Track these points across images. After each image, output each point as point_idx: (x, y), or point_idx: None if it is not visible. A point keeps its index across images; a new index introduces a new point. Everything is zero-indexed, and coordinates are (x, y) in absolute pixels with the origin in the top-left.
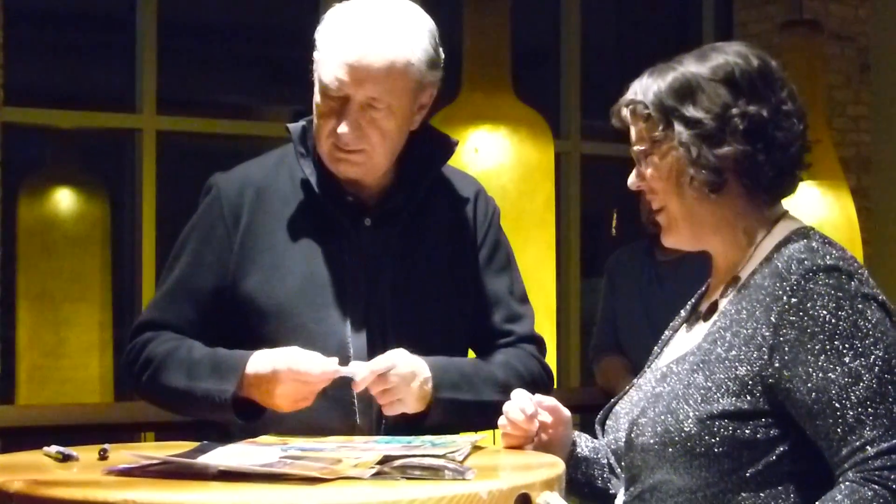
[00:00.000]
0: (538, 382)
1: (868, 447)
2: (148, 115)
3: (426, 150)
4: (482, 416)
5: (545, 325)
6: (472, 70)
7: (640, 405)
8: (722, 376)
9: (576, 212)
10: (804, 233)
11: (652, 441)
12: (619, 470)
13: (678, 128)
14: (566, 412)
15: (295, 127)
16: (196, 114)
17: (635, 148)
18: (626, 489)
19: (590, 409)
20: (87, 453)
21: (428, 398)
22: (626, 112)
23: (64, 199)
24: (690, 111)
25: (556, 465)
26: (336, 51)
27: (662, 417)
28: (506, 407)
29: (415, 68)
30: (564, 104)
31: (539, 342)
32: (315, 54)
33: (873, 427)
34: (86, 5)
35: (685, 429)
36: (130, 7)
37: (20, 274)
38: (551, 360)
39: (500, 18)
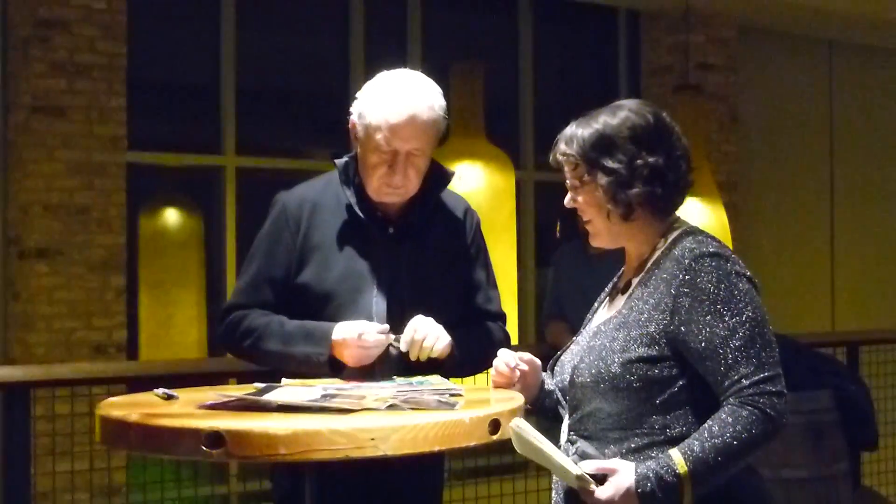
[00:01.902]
0: (503, 343)
1: (744, 380)
2: (229, 156)
3: (432, 178)
4: (474, 365)
5: (509, 301)
6: (456, 121)
7: (580, 355)
8: (637, 332)
9: (531, 221)
10: (692, 231)
11: (588, 380)
12: (563, 402)
13: (599, 175)
14: (538, 362)
15: (340, 162)
16: (263, 154)
17: (567, 182)
18: (570, 415)
19: (542, 359)
20: (185, 394)
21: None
22: (560, 158)
23: (171, 216)
24: (608, 163)
25: (517, 400)
26: (385, 120)
27: (596, 363)
28: (495, 361)
29: (439, 123)
30: (522, 144)
31: (503, 317)
32: (358, 119)
33: (747, 366)
34: (187, 76)
35: (612, 370)
36: (216, 78)
37: (141, 268)
38: (514, 326)
39: (476, 85)
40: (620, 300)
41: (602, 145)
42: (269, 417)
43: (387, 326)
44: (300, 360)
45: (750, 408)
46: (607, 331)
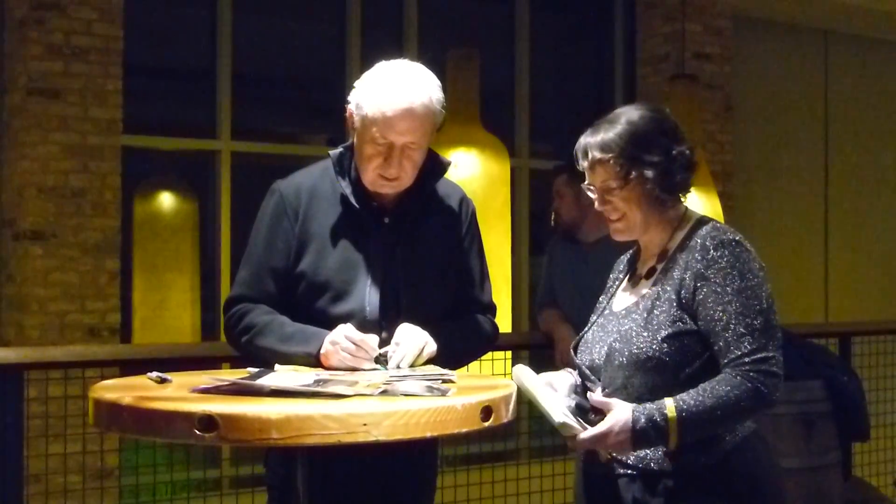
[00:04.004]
0: (491, 337)
1: (745, 357)
2: (225, 141)
3: (427, 167)
4: (459, 359)
5: (503, 289)
6: (452, 110)
7: (613, 336)
8: (665, 313)
9: (525, 209)
10: (706, 220)
11: (624, 360)
12: (592, 378)
13: (645, 170)
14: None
15: (334, 152)
16: (259, 139)
17: (605, 186)
18: (603, 390)
19: (535, 346)
20: (178, 378)
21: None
22: (597, 164)
23: (165, 200)
24: (650, 156)
25: (509, 387)
26: (381, 113)
27: (630, 344)
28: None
29: (436, 116)
30: (517, 132)
31: (494, 308)
32: (355, 110)
33: (750, 345)
34: (182, 60)
35: (646, 349)
36: (213, 62)
37: (135, 252)
38: (507, 313)
39: (471, 73)
40: (645, 285)
41: (639, 141)
42: (261, 402)
43: (376, 339)
44: (291, 359)
45: (744, 380)
46: (637, 313)
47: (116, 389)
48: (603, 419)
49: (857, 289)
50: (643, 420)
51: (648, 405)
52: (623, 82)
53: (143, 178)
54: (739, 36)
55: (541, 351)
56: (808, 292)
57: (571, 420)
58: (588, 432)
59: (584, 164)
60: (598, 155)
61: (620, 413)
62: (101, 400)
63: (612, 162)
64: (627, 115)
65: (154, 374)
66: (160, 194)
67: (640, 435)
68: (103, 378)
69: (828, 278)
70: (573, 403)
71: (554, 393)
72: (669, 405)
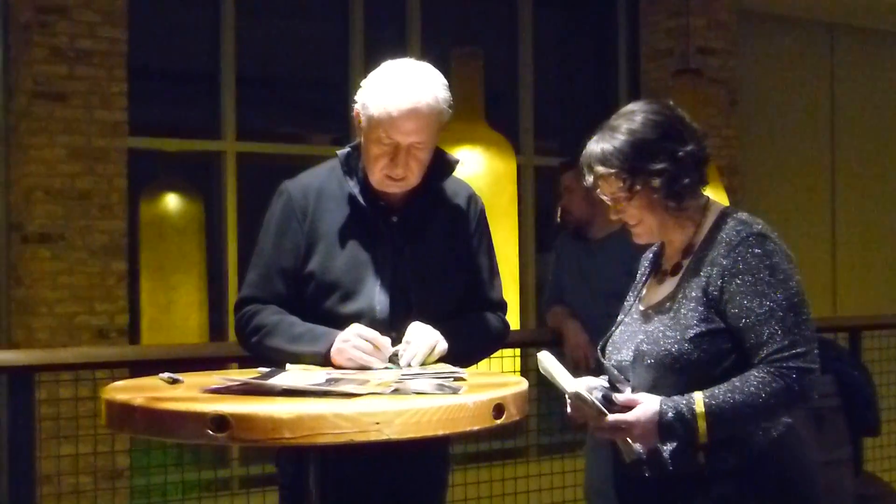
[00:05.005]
0: (502, 334)
1: (777, 353)
2: (229, 141)
3: (436, 166)
4: (469, 358)
5: (511, 287)
6: (456, 108)
7: (639, 336)
8: (694, 311)
9: (531, 207)
10: (730, 211)
11: (653, 361)
12: (621, 378)
13: (651, 179)
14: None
15: (342, 152)
16: (263, 140)
17: (615, 197)
18: (633, 391)
19: (544, 343)
20: (189, 378)
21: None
22: (601, 178)
23: (171, 201)
24: (655, 165)
25: (522, 384)
26: (387, 114)
27: (659, 345)
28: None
29: (442, 115)
30: (522, 129)
31: (504, 305)
32: (361, 109)
33: (783, 340)
34: (186, 62)
35: (676, 349)
36: (217, 63)
37: (142, 253)
38: (515, 311)
39: (475, 71)
40: (671, 282)
41: (641, 151)
42: (273, 401)
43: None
44: (300, 358)
45: (777, 376)
46: (663, 312)
47: (128, 390)
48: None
49: (866, 283)
50: (671, 413)
51: (677, 398)
52: (627, 77)
53: (149, 179)
54: (744, 30)
55: (550, 348)
56: (816, 287)
57: (586, 393)
58: (614, 416)
59: (589, 178)
60: (600, 170)
61: (649, 405)
62: (114, 401)
63: (614, 177)
64: (629, 121)
65: (165, 375)
66: (166, 196)
67: (666, 427)
68: (113, 379)
69: (836, 272)
70: (600, 395)
71: (567, 373)
72: (698, 399)
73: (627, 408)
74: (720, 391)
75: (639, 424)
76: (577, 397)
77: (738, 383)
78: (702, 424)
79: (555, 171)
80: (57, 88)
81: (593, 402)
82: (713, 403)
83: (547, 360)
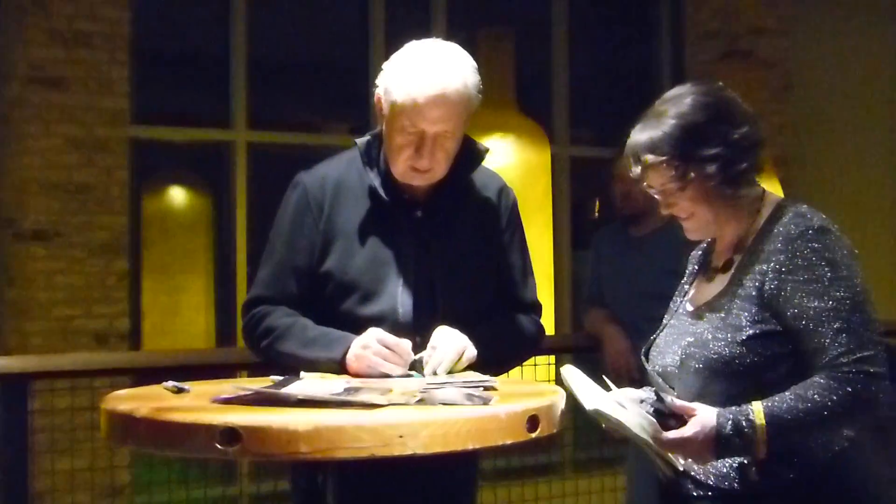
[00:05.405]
0: (536, 339)
1: (841, 358)
2: (240, 131)
3: (463, 156)
4: (501, 365)
5: (544, 287)
6: (485, 94)
7: (686, 338)
8: (746, 311)
9: (566, 200)
10: (788, 202)
11: (701, 365)
12: (664, 385)
13: (705, 166)
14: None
15: (362, 141)
16: (277, 129)
17: (665, 188)
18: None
19: (579, 350)
20: (196, 387)
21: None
22: (650, 168)
23: (177, 195)
24: (708, 150)
25: (556, 394)
26: (411, 100)
27: (708, 347)
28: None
29: (471, 102)
30: (556, 117)
31: (538, 307)
32: (383, 95)
33: (847, 344)
34: (194, 46)
35: (725, 352)
36: (226, 47)
37: (144, 252)
38: (550, 314)
39: (505, 53)
40: (721, 280)
41: (693, 136)
42: (288, 412)
43: (409, 344)
44: (314, 365)
45: (843, 383)
46: (713, 313)
47: (130, 400)
48: (684, 425)
49: None
50: (729, 426)
51: (734, 409)
52: (670, 60)
53: (153, 172)
54: (798, 7)
55: (587, 355)
56: (880, 288)
57: (606, 408)
58: (673, 434)
59: (636, 169)
60: (649, 159)
61: (706, 418)
62: (115, 412)
63: (665, 165)
64: (676, 104)
65: (170, 384)
66: (171, 189)
67: (724, 443)
68: (113, 388)
69: None
70: (651, 408)
71: (597, 388)
72: (757, 409)
73: (681, 419)
74: (780, 400)
75: (697, 441)
76: (597, 414)
77: (799, 391)
78: (762, 437)
79: (592, 162)
80: (54, 73)
81: (619, 422)
82: (774, 415)
83: (569, 374)
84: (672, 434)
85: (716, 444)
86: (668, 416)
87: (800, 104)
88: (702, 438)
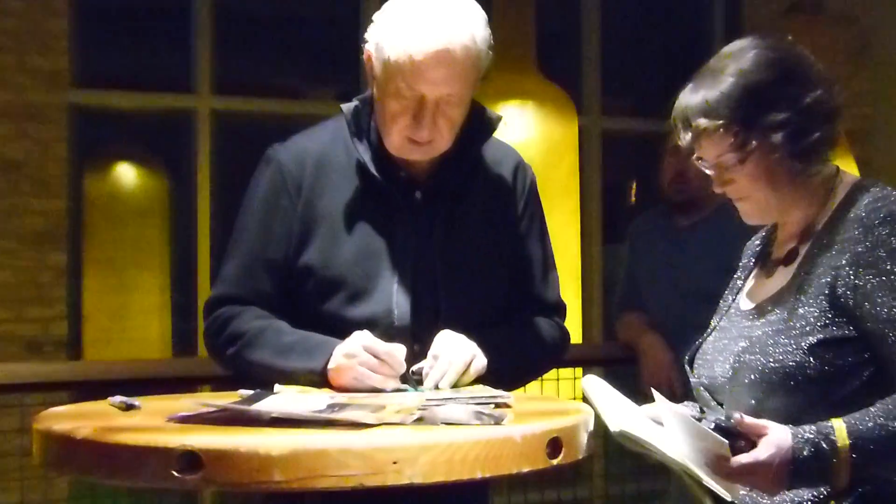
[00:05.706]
0: (558, 346)
1: None
2: (203, 96)
3: (471, 125)
4: (518, 377)
5: (570, 286)
6: (500, 53)
7: (740, 344)
8: (814, 312)
9: (597, 182)
10: (866, 183)
11: (757, 376)
12: (711, 402)
13: (771, 134)
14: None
15: (348, 107)
16: (247, 94)
17: (721, 160)
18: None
19: (610, 361)
20: (149, 403)
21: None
22: (705, 134)
23: (126, 175)
24: (775, 115)
25: (582, 412)
26: (409, 58)
27: (769, 352)
28: None
29: (481, 60)
30: (585, 82)
31: (562, 309)
32: (374, 52)
33: None
34: None
35: (787, 360)
36: None
37: (87, 242)
38: (576, 319)
39: (526, 6)
40: (783, 274)
41: (757, 97)
42: (259, 433)
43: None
44: (290, 376)
45: None
46: (774, 313)
47: (69, 419)
48: (753, 447)
49: None
50: (807, 450)
51: (809, 428)
52: (724, 16)
53: (98, 146)
54: None
55: (620, 368)
56: None
57: (637, 429)
58: (745, 458)
59: (686, 137)
60: (703, 123)
61: (781, 438)
62: (50, 433)
63: (722, 131)
64: (737, 60)
65: (118, 399)
66: (119, 167)
67: (800, 469)
68: (49, 405)
69: None
70: (712, 425)
71: (627, 403)
72: (839, 427)
73: (750, 441)
74: (863, 417)
75: (771, 466)
76: (622, 437)
77: (886, 408)
78: (844, 463)
79: (628, 136)
80: None
81: (654, 446)
82: (859, 434)
83: (592, 387)
84: (744, 458)
85: (790, 470)
86: (735, 437)
87: (879, 68)
88: (777, 463)
